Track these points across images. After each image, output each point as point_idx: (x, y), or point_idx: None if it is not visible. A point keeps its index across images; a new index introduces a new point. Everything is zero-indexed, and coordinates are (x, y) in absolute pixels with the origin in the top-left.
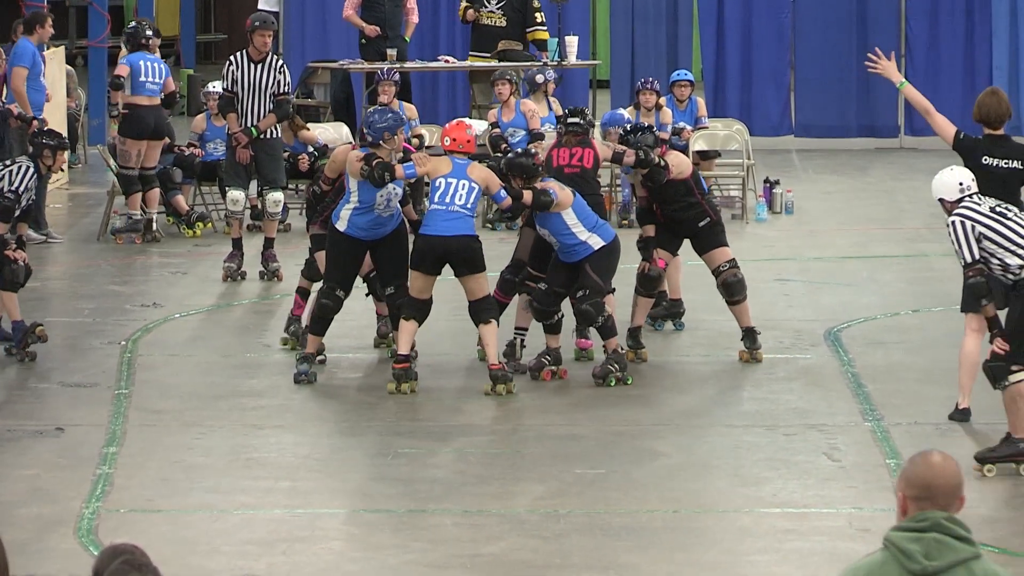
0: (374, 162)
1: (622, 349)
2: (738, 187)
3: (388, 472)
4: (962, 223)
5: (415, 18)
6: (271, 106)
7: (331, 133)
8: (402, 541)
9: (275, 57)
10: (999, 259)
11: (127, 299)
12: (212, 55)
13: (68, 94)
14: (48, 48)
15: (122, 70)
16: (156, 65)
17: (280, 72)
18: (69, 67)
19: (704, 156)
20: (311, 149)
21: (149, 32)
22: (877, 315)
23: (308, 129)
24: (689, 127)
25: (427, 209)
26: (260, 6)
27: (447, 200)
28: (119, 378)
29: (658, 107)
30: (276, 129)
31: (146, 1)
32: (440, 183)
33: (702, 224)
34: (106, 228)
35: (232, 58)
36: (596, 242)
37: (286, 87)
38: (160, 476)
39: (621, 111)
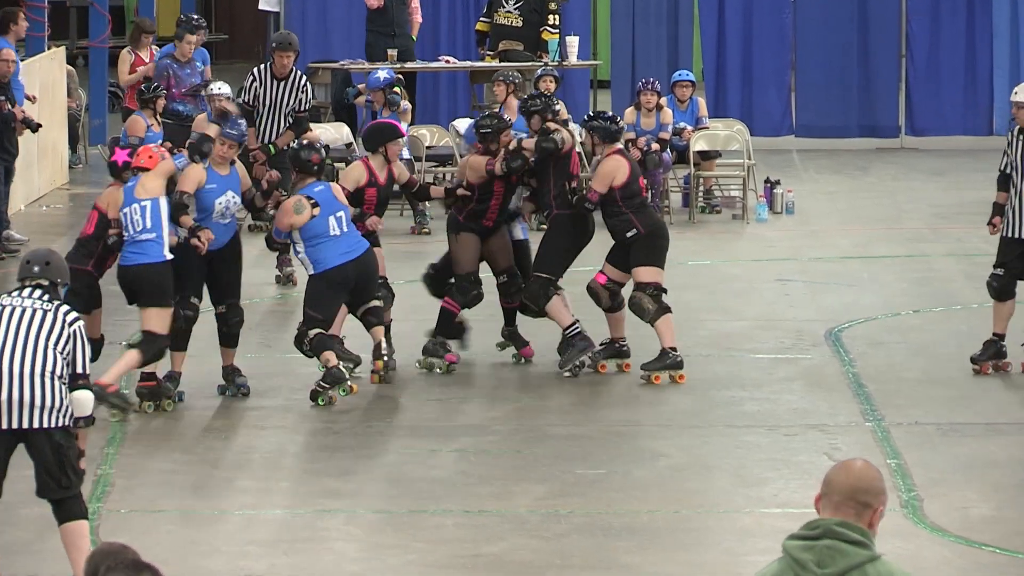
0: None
1: (334, 366)
2: (739, 187)
3: (389, 472)
4: None
5: (418, 17)
6: (288, 121)
7: (332, 133)
8: (403, 541)
9: (298, 74)
10: None
11: None
12: (213, 55)
13: (69, 94)
14: (50, 48)
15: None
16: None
17: (302, 90)
18: (70, 67)
19: (705, 156)
20: None
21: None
22: (878, 315)
23: (311, 129)
24: (690, 127)
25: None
26: (260, 6)
27: (131, 232)
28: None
29: (659, 107)
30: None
31: (147, 1)
32: (121, 217)
33: (629, 235)
34: None
35: (255, 72)
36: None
37: (307, 104)
38: (161, 477)
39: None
